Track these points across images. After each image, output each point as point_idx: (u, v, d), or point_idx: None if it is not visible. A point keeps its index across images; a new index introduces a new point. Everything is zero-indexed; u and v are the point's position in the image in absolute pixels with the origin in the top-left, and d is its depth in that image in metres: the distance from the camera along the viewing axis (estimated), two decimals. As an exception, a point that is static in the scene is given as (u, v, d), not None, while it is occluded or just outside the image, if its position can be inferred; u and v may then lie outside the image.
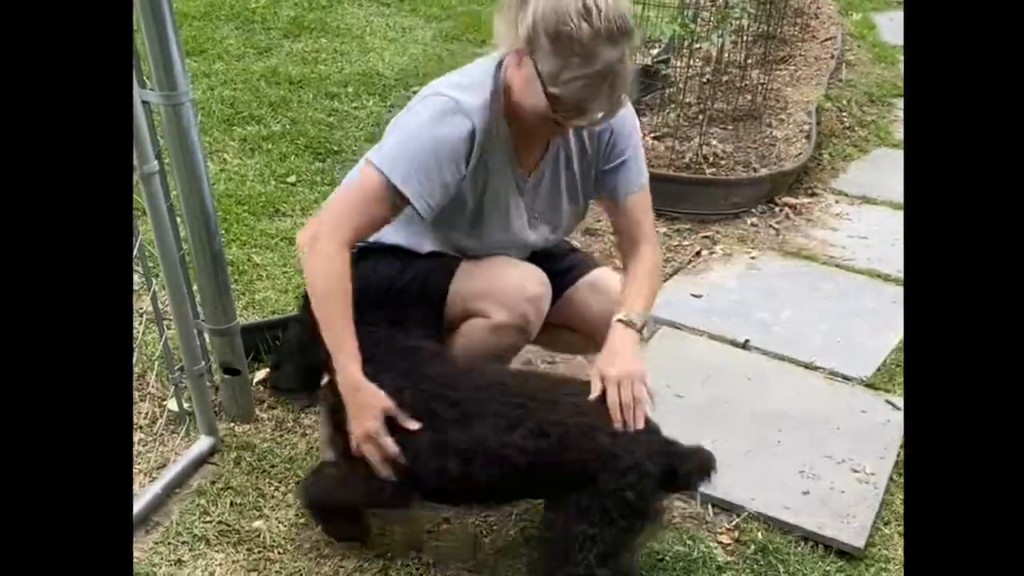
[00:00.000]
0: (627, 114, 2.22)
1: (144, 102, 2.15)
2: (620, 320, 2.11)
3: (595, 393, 2.00)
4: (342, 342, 2.02)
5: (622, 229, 2.29)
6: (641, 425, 1.97)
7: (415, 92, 4.71)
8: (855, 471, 2.56)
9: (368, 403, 2.01)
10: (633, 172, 2.24)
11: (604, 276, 2.44)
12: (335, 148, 4.24)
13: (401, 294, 2.29)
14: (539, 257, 2.32)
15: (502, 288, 2.18)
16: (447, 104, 2.03)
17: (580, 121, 1.98)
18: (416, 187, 2.01)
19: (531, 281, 2.21)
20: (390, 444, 2.00)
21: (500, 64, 2.08)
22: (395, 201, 2.03)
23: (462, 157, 2.04)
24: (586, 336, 2.47)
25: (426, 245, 2.25)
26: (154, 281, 2.45)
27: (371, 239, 2.24)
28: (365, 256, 2.31)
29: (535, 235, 2.28)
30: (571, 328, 2.46)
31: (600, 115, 1.96)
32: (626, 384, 1.98)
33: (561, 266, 2.38)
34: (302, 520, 2.34)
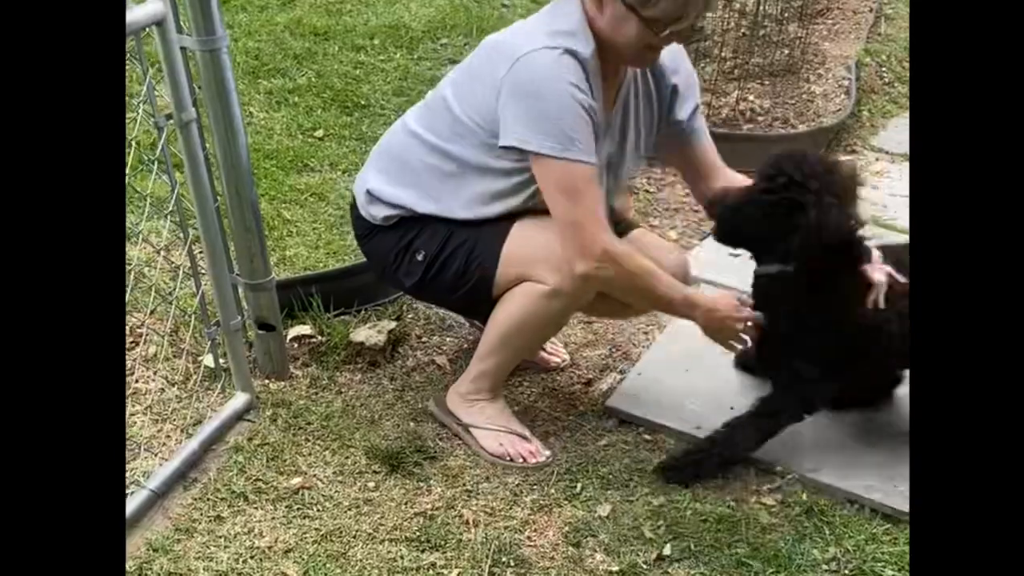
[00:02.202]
0: (683, 55, 2.32)
1: (181, 48, 2.09)
2: None
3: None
4: (679, 297, 2.22)
5: (705, 162, 2.40)
6: None
7: (443, 45, 4.65)
8: (901, 433, 2.50)
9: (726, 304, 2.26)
10: (699, 110, 2.36)
11: (642, 238, 2.41)
12: (362, 102, 4.16)
13: (449, 261, 2.25)
14: None
15: (559, 252, 2.14)
16: (559, 57, 2.03)
17: (679, 33, 2.02)
18: (590, 150, 2.06)
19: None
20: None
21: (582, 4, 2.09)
22: (592, 171, 2.07)
23: (591, 99, 2.07)
24: (624, 302, 2.43)
25: (495, 207, 2.23)
26: (189, 234, 2.40)
27: (424, 211, 2.26)
28: (405, 224, 2.28)
29: (605, 179, 2.25)
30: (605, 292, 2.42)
31: (698, 20, 2.03)
32: None
33: None
34: (340, 478, 2.31)
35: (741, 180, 2.36)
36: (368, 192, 2.35)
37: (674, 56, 2.25)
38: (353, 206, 2.42)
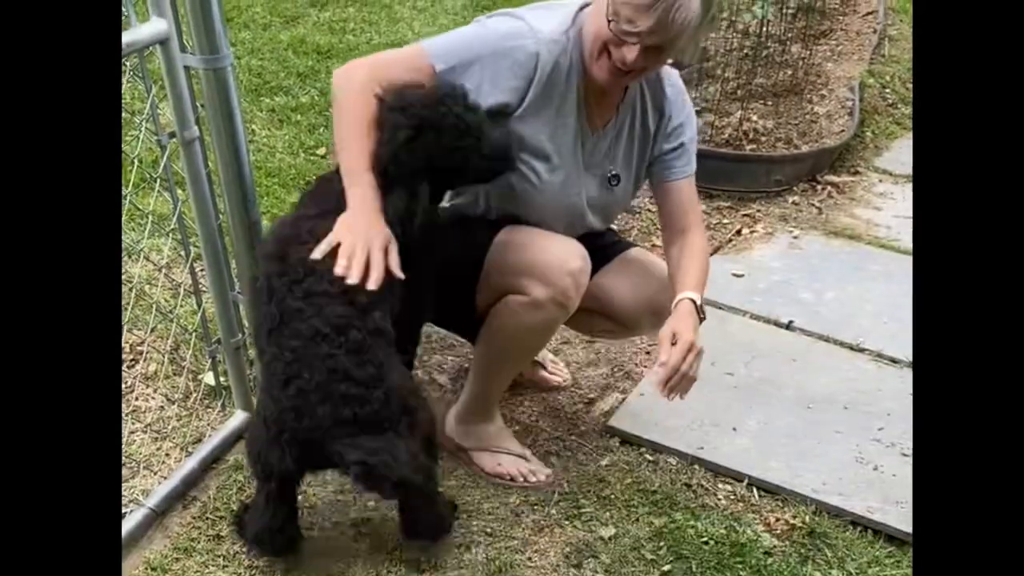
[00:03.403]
0: (688, 103, 2.25)
1: (185, 67, 2.09)
2: (689, 298, 2.11)
3: (663, 355, 2.01)
4: (357, 164, 1.93)
5: (673, 213, 2.28)
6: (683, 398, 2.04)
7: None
8: (904, 455, 2.49)
9: (381, 228, 1.91)
10: (687, 158, 2.25)
11: (636, 258, 2.40)
12: (365, 120, 4.16)
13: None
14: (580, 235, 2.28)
15: (542, 263, 2.14)
16: (519, 25, 2.02)
17: (629, 40, 1.91)
18: (450, 67, 1.99)
19: (571, 255, 2.15)
20: (381, 261, 1.88)
21: (582, 9, 2.07)
22: (424, 62, 1.99)
23: (521, 79, 2.02)
24: (619, 323, 2.43)
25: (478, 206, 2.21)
26: (191, 251, 2.40)
27: None
28: None
29: (588, 195, 2.23)
30: (604, 314, 2.41)
31: (651, 31, 1.89)
32: (690, 357, 1.99)
33: (596, 244, 2.33)
34: (339, 497, 2.30)
35: (686, 266, 2.22)
36: None
37: (686, 112, 2.24)
38: None
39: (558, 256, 2.13)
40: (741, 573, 2.15)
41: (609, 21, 1.91)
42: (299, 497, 2.27)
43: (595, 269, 2.28)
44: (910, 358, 2.87)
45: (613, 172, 2.24)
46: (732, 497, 2.38)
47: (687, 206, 2.28)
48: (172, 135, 2.13)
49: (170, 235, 2.37)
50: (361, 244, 1.87)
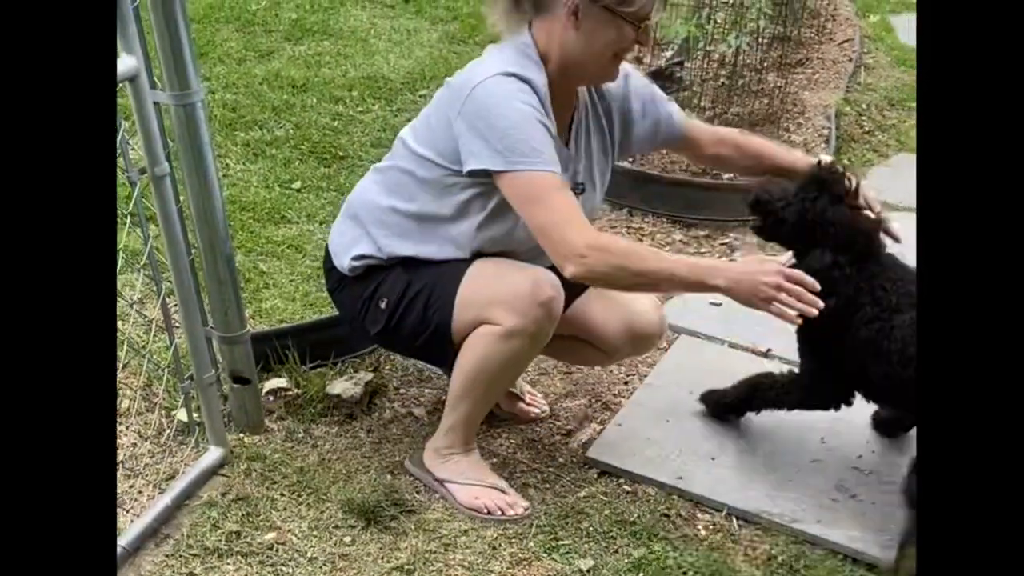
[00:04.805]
0: (640, 78, 2.41)
1: (155, 103, 2.08)
2: None
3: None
4: (686, 264, 2.13)
5: (708, 134, 2.52)
6: None
7: (422, 96, 4.69)
8: (883, 483, 2.48)
9: (765, 262, 2.14)
10: (673, 108, 2.41)
11: (606, 291, 2.40)
12: (340, 153, 4.17)
13: (409, 308, 2.23)
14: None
15: (514, 294, 2.13)
16: (516, 81, 2.07)
17: (650, 27, 2.11)
18: (553, 160, 2.08)
19: (543, 285, 2.15)
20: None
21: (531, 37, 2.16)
22: (557, 179, 2.08)
23: (549, 127, 2.10)
24: (600, 350, 2.42)
25: (448, 247, 2.22)
26: (163, 287, 2.38)
27: (389, 252, 2.24)
28: (370, 275, 2.27)
29: None
30: (583, 340, 2.40)
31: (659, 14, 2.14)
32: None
33: None
34: (315, 532, 2.28)
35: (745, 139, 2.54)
36: (334, 245, 2.37)
37: (623, 82, 2.32)
38: (325, 260, 2.42)
39: (530, 287, 2.14)
40: (721, 604, 2.13)
41: (635, 27, 2.06)
42: (274, 534, 2.26)
43: (573, 296, 2.28)
44: (888, 384, 2.87)
45: (578, 181, 2.27)
46: (711, 527, 2.36)
47: (710, 130, 2.55)
48: (143, 171, 2.12)
49: (142, 271, 2.35)
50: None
